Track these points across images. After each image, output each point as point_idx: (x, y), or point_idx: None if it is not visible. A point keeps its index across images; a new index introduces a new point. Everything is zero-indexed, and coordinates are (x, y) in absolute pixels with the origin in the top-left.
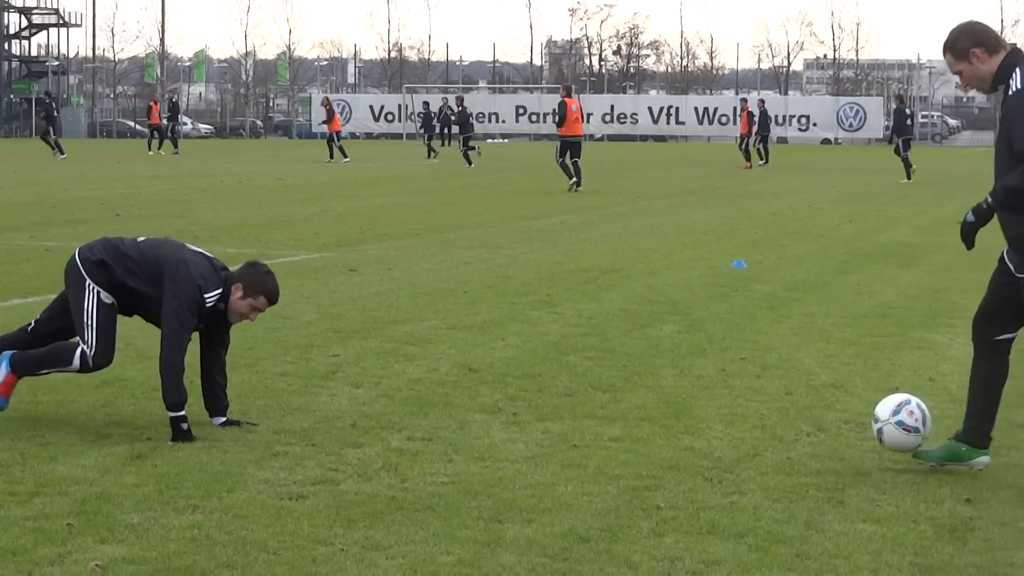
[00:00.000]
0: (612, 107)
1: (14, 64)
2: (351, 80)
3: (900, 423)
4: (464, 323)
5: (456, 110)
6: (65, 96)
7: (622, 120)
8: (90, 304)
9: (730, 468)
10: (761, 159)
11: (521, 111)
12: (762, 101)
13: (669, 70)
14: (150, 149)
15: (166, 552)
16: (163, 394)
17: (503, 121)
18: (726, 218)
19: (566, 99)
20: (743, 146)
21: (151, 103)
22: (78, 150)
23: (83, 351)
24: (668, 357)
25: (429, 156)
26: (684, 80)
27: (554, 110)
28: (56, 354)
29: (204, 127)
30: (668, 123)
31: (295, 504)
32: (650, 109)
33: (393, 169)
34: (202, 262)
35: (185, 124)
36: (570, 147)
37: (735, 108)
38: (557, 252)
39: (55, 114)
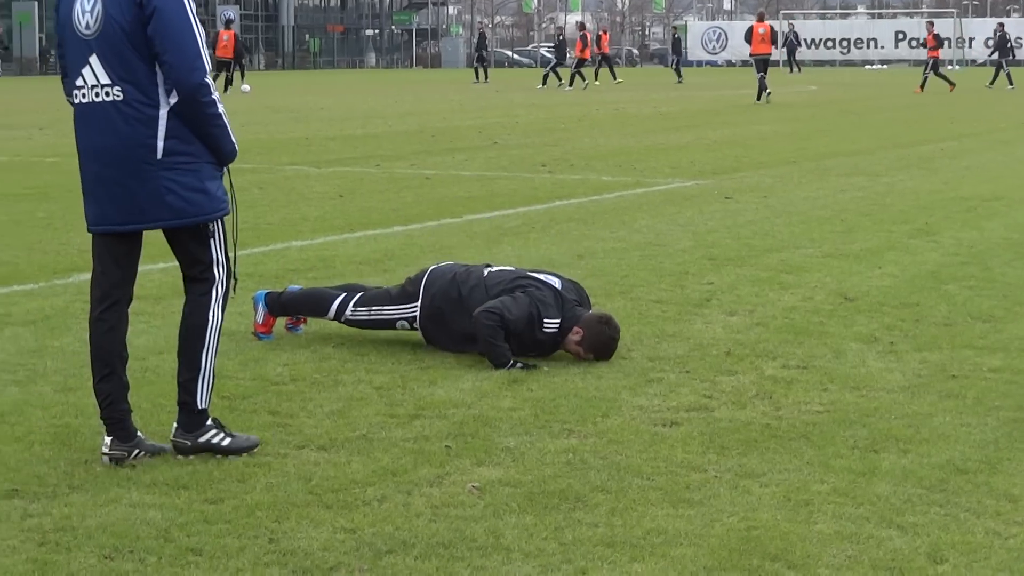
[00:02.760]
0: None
1: None
2: (727, 7)
3: None
4: (840, 251)
5: None
6: (444, 27)
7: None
8: (390, 313)
9: None
10: None
11: (900, 36)
12: None
13: None
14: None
15: (541, 476)
16: (488, 357)
17: (882, 47)
18: None
19: (755, 23)
20: None
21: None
22: (457, 80)
23: (341, 303)
24: None
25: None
26: None
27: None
28: (315, 301)
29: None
30: None
31: (669, 430)
32: None
33: (770, 96)
34: (547, 293)
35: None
36: (757, 63)
37: None
38: (936, 180)
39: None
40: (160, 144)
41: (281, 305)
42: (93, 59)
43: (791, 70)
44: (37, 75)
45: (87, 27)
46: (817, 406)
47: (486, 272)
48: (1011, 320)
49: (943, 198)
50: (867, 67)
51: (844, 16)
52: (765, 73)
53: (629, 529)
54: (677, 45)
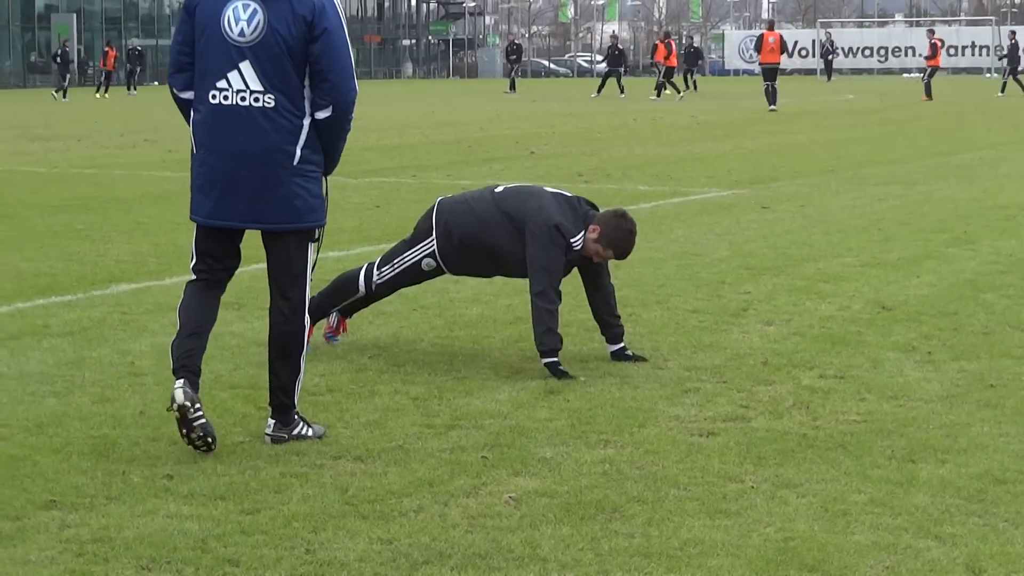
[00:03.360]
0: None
1: (432, 6)
2: (764, 15)
3: None
4: (878, 260)
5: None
6: (481, 36)
7: None
8: (411, 256)
9: None
10: None
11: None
12: None
13: None
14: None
15: (578, 486)
16: (535, 341)
17: (920, 55)
18: None
19: (766, 32)
20: None
21: (657, 43)
22: (494, 90)
23: (366, 272)
24: None
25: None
26: None
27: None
28: (344, 285)
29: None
30: None
31: (706, 440)
32: None
33: (806, 106)
34: (564, 207)
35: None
36: (765, 72)
37: None
38: (975, 188)
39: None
40: (298, 152)
41: (316, 307)
42: (245, 65)
43: (828, 78)
44: (76, 87)
45: (241, 34)
46: (854, 416)
47: (498, 189)
48: None
49: (981, 207)
50: (905, 75)
51: (882, 24)
52: (773, 82)
53: (665, 540)
54: (615, 56)
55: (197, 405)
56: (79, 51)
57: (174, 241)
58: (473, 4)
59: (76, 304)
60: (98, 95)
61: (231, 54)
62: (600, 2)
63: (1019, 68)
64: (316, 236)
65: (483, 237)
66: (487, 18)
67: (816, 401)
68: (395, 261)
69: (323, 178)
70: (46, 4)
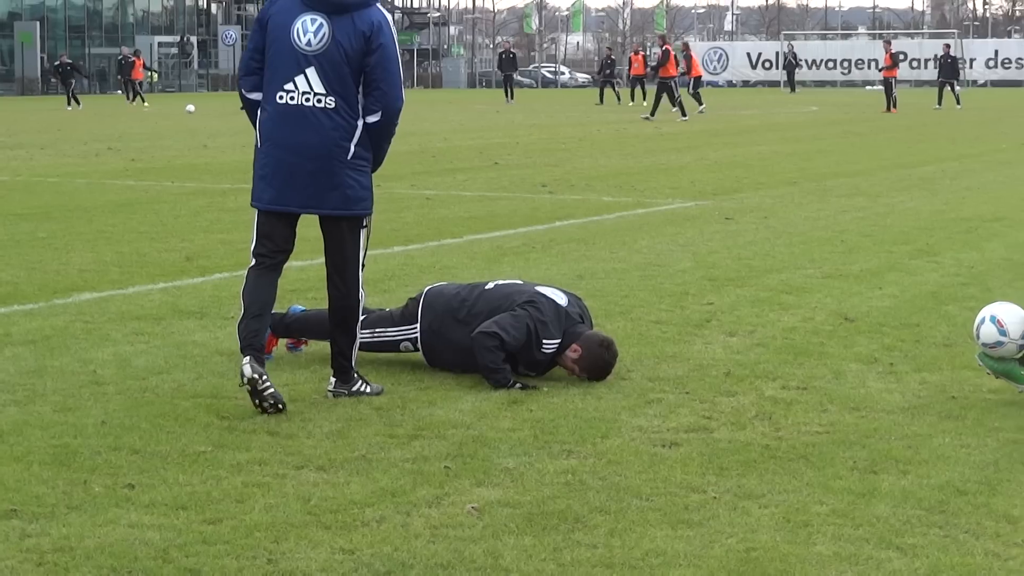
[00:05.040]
0: (996, 52)
1: (397, 15)
2: (728, 27)
3: None
4: (840, 272)
5: None
6: (446, 47)
7: (1007, 65)
8: (393, 335)
9: None
10: None
11: (902, 57)
12: None
13: None
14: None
15: (541, 496)
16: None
17: (883, 67)
18: None
19: (667, 46)
20: None
21: (632, 54)
22: (458, 100)
23: None
24: None
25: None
26: None
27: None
28: (320, 323)
29: (581, 76)
30: None
31: (668, 451)
32: None
33: (770, 117)
34: (549, 309)
35: (563, 74)
36: (661, 86)
37: None
38: (937, 200)
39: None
40: (352, 148)
41: (285, 327)
42: (311, 71)
43: (792, 90)
44: (39, 95)
45: (308, 44)
46: (817, 427)
47: (489, 285)
48: None
49: (944, 219)
50: (868, 87)
51: (845, 37)
52: (668, 94)
53: (628, 550)
54: (610, 66)
55: (264, 376)
56: (42, 59)
57: (137, 250)
58: (437, 14)
59: (38, 313)
60: (134, 103)
61: (298, 61)
62: (565, 13)
63: (956, 79)
64: (365, 223)
65: (465, 338)
66: (451, 28)
67: (779, 412)
68: (376, 331)
69: (371, 174)
70: (9, 12)
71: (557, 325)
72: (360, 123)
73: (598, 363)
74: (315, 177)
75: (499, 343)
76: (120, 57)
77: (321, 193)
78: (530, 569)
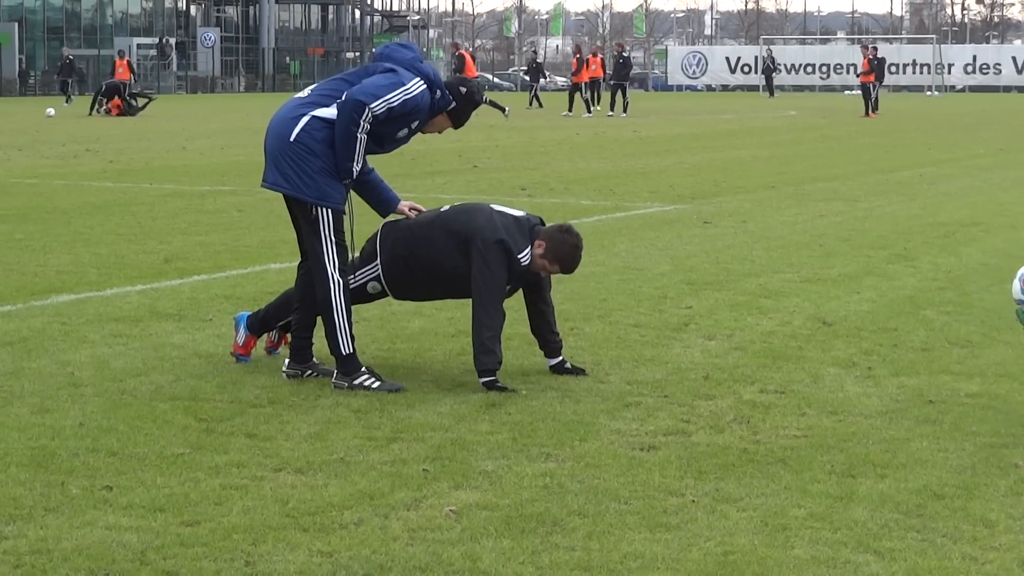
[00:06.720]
0: (974, 57)
1: (376, 18)
2: (708, 32)
3: None
4: (819, 276)
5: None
6: (425, 50)
7: (984, 71)
8: (356, 280)
9: None
10: None
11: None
12: None
13: None
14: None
15: (519, 499)
16: (474, 360)
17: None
18: None
19: (591, 56)
20: None
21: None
22: None
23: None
24: None
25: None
26: None
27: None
28: (289, 302)
29: (560, 79)
30: None
31: (646, 455)
32: (1014, 59)
33: (749, 122)
34: (509, 223)
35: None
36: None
37: None
38: (915, 205)
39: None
40: (296, 132)
41: (260, 321)
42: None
43: (770, 95)
44: (16, 96)
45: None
46: (795, 431)
47: (445, 208)
48: (988, 345)
49: (921, 223)
50: (846, 92)
51: (824, 42)
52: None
53: (606, 553)
54: (535, 71)
55: (307, 372)
56: (20, 61)
57: (115, 252)
58: (417, 17)
59: (15, 314)
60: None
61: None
62: (544, 17)
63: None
64: (314, 212)
65: (428, 258)
66: (431, 31)
67: (757, 416)
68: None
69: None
70: None
71: (523, 235)
72: (312, 111)
73: (564, 247)
74: (269, 155)
75: (496, 317)
76: (63, 60)
77: (269, 169)
78: (508, 572)
